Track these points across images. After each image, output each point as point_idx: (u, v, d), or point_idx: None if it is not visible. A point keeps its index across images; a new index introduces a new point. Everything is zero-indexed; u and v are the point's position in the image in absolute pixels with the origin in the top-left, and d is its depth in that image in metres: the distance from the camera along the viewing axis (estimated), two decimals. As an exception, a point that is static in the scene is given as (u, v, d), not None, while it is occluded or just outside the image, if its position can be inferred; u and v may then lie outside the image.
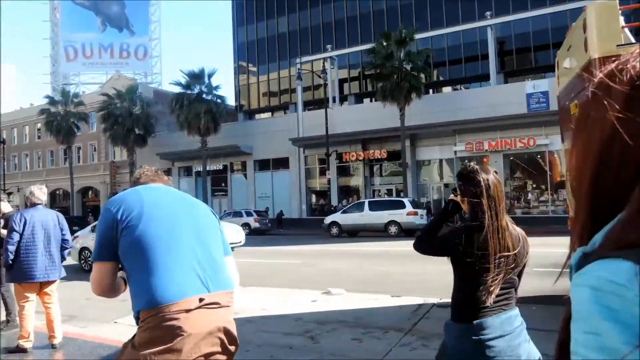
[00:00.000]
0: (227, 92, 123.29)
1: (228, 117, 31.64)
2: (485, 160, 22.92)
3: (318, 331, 5.33)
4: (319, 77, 27.83)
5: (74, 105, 34.39)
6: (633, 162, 0.50)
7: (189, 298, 1.76)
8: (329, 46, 32.11)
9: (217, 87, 29.21)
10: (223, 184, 33.15)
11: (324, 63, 31.71)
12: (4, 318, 6.00)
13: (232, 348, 1.89)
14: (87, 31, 52.24)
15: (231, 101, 36.50)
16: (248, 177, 31.79)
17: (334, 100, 31.09)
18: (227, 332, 1.85)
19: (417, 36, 25.02)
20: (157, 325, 1.73)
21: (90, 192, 40.45)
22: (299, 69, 28.52)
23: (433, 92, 29.92)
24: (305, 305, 6.84)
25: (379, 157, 26.86)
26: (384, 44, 24.01)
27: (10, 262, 4.97)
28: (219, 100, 29.23)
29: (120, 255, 1.85)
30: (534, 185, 24.29)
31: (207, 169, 30.53)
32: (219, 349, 1.83)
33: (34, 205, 5.10)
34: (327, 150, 24.73)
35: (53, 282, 5.09)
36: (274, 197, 29.88)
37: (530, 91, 23.10)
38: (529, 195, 24.18)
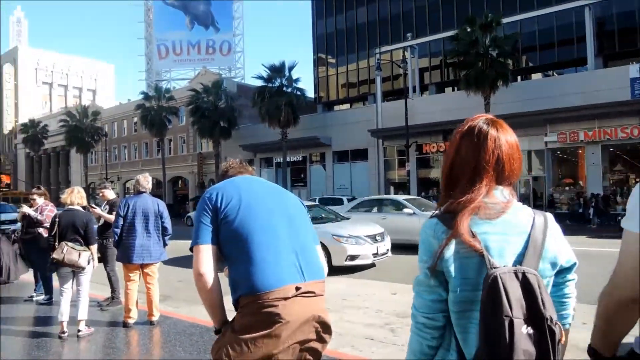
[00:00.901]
0: (306, 84, 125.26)
1: (307, 108, 32.11)
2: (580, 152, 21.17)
3: (398, 324, 5.27)
4: (399, 66, 27.30)
5: (165, 100, 36.72)
6: (459, 172, 1.33)
7: (286, 286, 1.81)
8: (409, 35, 31.36)
9: (297, 80, 29.71)
10: (302, 175, 33.80)
11: (403, 52, 31.03)
12: (109, 295, 6.61)
13: (326, 336, 1.93)
14: (177, 30, 55.62)
15: (310, 93, 37.01)
16: (327, 168, 32.11)
17: (414, 90, 30.37)
18: (322, 320, 1.89)
19: (505, 20, 23.62)
20: (256, 312, 1.79)
21: (180, 182, 43.16)
22: (378, 59, 28.16)
23: (521, 79, 28.17)
24: (385, 297, 6.81)
25: (462, 148, 25.79)
26: (468, 29, 22.96)
27: (116, 244, 5.46)
28: (298, 93, 29.71)
29: (221, 244, 1.92)
30: (638, 179, 22.08)
31: (287, 160, 31.26)
32: (314, 336, 1.88)
33: (139, 192, 5.52)
34: (407, 141, 24.26)
35: (152, 264, 5.49)
36: (352, 189, 29.93)
37: (635, 75, 20.93)
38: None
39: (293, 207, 2.09)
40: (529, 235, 1.24)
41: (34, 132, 49.25)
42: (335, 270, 8.57)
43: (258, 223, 1.91)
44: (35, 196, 6.96)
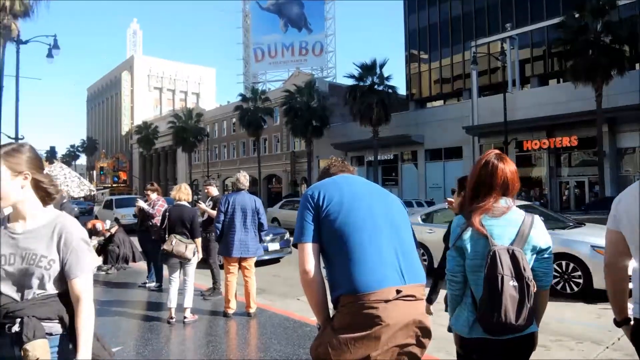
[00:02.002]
0: (397, 81, 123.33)
1: (399, 106, 31.65)
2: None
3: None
4: (497, 59, 25.87)
5: (261, 101, 38.35)
6: (480, 188, 2.05)
7: (387, 288, 1.80)
8: (508, 25, 29.57)
9: (388, 78, 29.40)
10: (393, 174, 33.42)
11: (502, 44, 29.35)
12: (210, 286, 7.07)
13: (425, 341, 1.90)
14: (272, 33, 57.80)
15: (402, 90, 36.43)
16: (419, 167, 31.43)
17: (513, 84, 28.60)
18: (422, 325, 1.86)
19: (620, 2, 21.34)
20: (357, 312, 1.79)
21: (274, 180, 44.83)
22: (474, 53, 26.92)
23: (641, 68, 25.30)
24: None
25: (568, 145, 23.81)
26: (576, 15, 21.09)
27: (218, 238, 5.82)
28: (390, 90, 29.40)
29: (322, 241, 1.93)
30: None
31: (378, 158, 31.09)
32: (413, 341, 1.85)
33: (238, 190, 5.83)
34: (506, 138, 22.91)
35: (249, 258, 5.77)
36: (446, 188, 28.97)
37: None
38: None
39: (394, 207, 2.07)
40: (519, 228, 1.96)
41: (146, 133, 54.20)
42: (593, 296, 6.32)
43: (359, 223, 1.91)
44: (149, 191, 7.65)
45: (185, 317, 5.46)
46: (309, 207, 1.96)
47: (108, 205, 19.42)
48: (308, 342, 4.49)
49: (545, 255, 1.99)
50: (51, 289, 1.73)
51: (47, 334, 1.68)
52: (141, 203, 7.60)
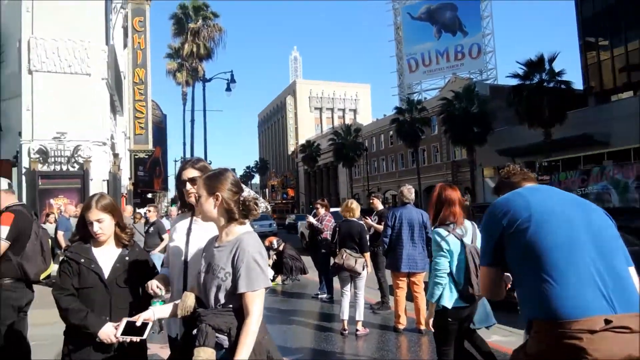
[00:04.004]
0: (570, 75, 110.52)
1: (574, 103, 28.13)
2: None
3: None
4: None
5: (417, 112, 37.89)
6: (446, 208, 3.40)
7: (593, 317, 1.54)
8: None
9: (560, 72, 26.43)
10: (573, 179, 29.67)
11: None
12: (379, 299, 7.08)
13: None
14: (425, 41, 56.89)
15: (577, 85, 32.36)
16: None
17: None
18: None
19: None
20: (555, 342, 1.58)
21: (434, 190, 43.63)
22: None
23: None
24: None
25: None
26: None
27: (385, 252, 5.82)
28: (563, 86, 26.37)
29: (508, 260, 1.80)
30: None
31: (552, 163, 27.96)
32: None
33: (404, 204, 5.78)
34: None
35: (418, 273, 5.63)
36: (641, 193, 24.62)
37: None
38: None
39: (597, 220, 1.77)
40: (473, 233, 3.31)
41: (309, 152, 57.92)
42: None
43: (554, 239, 1.69)
44: (319, 206, 8.06)
45: (357, 330, 5.54)
46: (492, 227, 1.82)
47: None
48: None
49: None
50: (227, 301, 1.86)
51: (217, 344, 1.81)
52: (310, 219, 8.03)
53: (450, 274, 3.19)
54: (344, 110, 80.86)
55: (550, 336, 1.59)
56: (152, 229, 7.98)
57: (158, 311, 2.10)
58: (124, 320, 2.06)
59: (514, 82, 27.82)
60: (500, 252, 1.80)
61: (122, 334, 2.05)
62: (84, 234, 2.44)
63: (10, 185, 3.52)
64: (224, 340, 1.82)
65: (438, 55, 56.60)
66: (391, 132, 44.79)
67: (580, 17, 33.81)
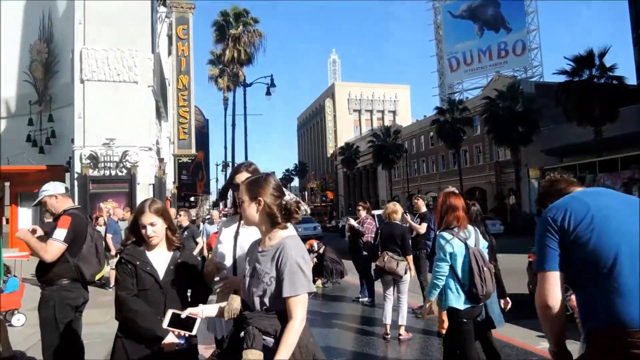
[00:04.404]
0: (623, 70, 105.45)
1: (628, 99, 26.75)
2: None
3: None
4: None
5: (459, 112, 37.08)
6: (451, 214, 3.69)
7: None
8: None
9: (612, 67, 25.20)
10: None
11: None
12: (422, 304, 6.95)
13: None
14: (467, 40, 55.68)
15: (631, 80, 30.75)
16: (661, 169, 25.85)
17: None
18: None
19: None
20: (621, 351, 1.51)
21: (477, 192, 42.64)
22: None
23: None
24: None
25: None
26: None
27: (428, 255, 5.71)
28: (615, 82, 25.12)
29: (567, 267, 1.71)
30: None
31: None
32: None
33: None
34: None
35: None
36: None
37: None
38: None
39: None
40: (476, 237, 3.65)
41: (348, 154, 57.81)
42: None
43: (620, 245, 1.60)
44: (360, 208, 8.03)
45: (400, 335, 5.47)
46: (552, 231, 1.73)
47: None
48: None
49: (486, 250, 3.68)
50: (272, 305, 1.88)
51: (265, 346, 1.82)
52: (352, 221, 8.01)
53: (455, 276, 3.49)
54: (383, 111, 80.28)
55: (615, 346, 1.52)
56: (185, 233, 8.15)
57: (206, 309, 2.13)
58: (170, 312, 2.07)
59: (562, 78, 26.77)
60: (563, 257, 1.71)
61: (167, 326, 2.06)
62: (137, 238, 2.52)
63: (67, 189, 3.70)
64: (271, 342, 1.84)
65: (480, 53, 55.24)
66: (432, 133, 44.06)
67: (634, 9, 32.18)
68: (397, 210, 5.96)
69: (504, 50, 53.56)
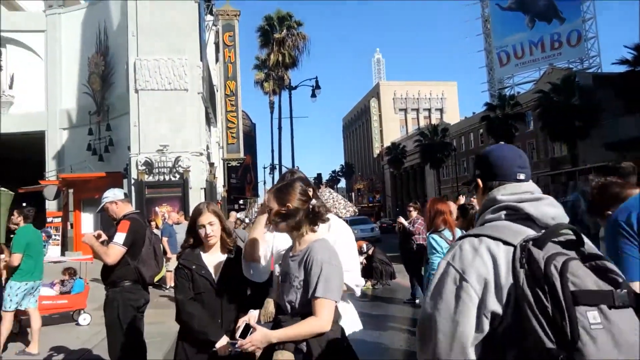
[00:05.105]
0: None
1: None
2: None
3: None
4: None
5: (510, 107, 35.81)
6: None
7: None
8: None
9: (678, 54, 23.55)
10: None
11: None
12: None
13: None
14: (517, 32, 53.61)
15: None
16: None
17: None
18: None
19: None
20: None
21: (531, 190, 40.98)
22: None
23: None
24: None
25: None
26: None
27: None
28: (682, 70, 23.44)
29: None
30: None
31: (671, 156, 24.95)
32: None
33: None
34: None
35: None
36: None
37: None
38: None
39: None
40: None
41: (395, 154, 57.19)
42: None
43: None
44: (411, 209, 7.91)
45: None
46: (628, 236, 1.62)
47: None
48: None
49: None
50: (301, 308, 1.90)
51: (297, 348, 1.84)
52: (402, 220, 7.89)
53: None
54: (429, 110, 78.84)
55: None
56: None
57: (254, 315, 2.20)
58: (243, 323, 2.10)
59: (622, 69, 25.29)
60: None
61: (239, 336, 2.06)
62: (195, 240, 2.59)
63: (126, 195, 3.87)
64: (303, 345, 1.86)
65: (532, 45, 53.02)
66: (481, 130, 42.79)
67: (702, -10, 29.86)
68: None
69: (558, 41, 51.14)
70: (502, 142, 2.03)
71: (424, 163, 49.68)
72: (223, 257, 2.59)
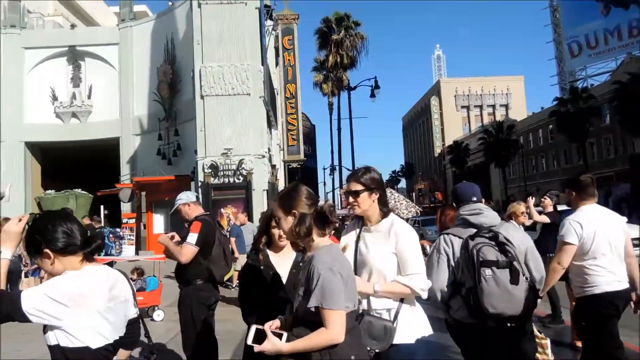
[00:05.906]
0: None
1: None
2: None
3: None
4: None
5: (583, 100, 33.67)
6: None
7: None
8: None
9: None
10: None
11: None
12: (549, 312, 6.39)
13: None
14: (589, 21, 50.24)
15: None
16: None
17: None
18: None
19: None
20: None
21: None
22: None
23: None
24: None
25: None
26: None
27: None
28: None
29: None
30: None
31: None
32: None
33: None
34: None
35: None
36: None
37: None
38: None
39: None
40: None
41: (457, 153, 55.55)
42: None
43: None
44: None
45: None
46: None
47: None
48: None
49: None
50: (303, 316, 1.85)
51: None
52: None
53: None
54: (494, 106, 75.81)
55: None
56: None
57: (276, 322, 2.17)
58: (253, 327, 1.93)
59: None
60: None
61: (252, 342, 1.91)
62: (267, 239, 2.65)
63: (197, 197, 4.04)
64: (316, 355, 1.82)
65: (607, 34, 49.48)
66: (551, 126, 40.55)
67: None
68: (523, 210, 5.56)
69: (637, 28, 47.39)
70: (464, 181, 3.41)
71: (489, 162, 47.86)
72: (293, 255, 2.64)
